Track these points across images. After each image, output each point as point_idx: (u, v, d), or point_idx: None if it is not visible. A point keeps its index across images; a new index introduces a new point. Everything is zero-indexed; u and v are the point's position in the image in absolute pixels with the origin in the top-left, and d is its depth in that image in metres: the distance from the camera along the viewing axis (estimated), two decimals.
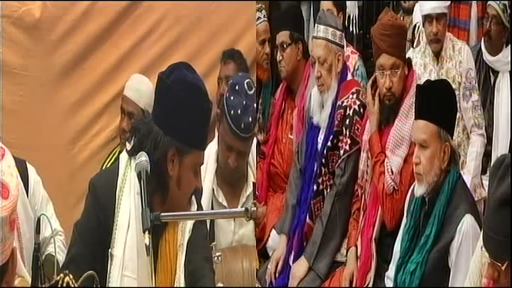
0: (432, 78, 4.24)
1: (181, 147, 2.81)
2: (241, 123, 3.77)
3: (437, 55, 4.34)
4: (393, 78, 3.71)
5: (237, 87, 3.82)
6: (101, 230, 2.85)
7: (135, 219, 2.84)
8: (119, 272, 2.81)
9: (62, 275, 2.49)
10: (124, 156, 2.92)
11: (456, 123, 4.20)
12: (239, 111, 3.77)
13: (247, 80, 3.87)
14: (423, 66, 4.38)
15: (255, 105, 3.90)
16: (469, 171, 4.16)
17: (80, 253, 2.86)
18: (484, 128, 4.31)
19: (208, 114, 2.90)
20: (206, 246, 3.07)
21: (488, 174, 4.37)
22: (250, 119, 3.81)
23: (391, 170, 3.65)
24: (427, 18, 4.32)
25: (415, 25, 5.02)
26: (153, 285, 2.83)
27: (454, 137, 4.15)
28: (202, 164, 2.93)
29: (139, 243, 2.82)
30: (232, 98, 3.80)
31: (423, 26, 4.41)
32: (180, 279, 2.89)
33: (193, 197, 2.93)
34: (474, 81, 4.29)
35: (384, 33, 3.73)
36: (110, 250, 2.82)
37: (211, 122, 3.00)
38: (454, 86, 4.19)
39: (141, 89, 4.39)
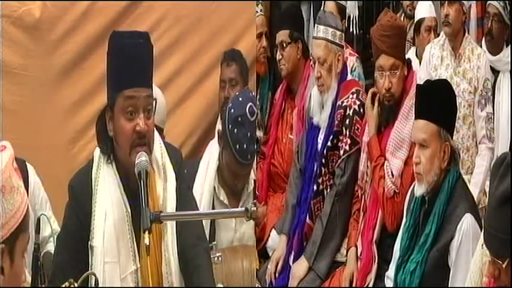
0: (448, 73, 4.29)
1: (110, 99, 2.82)
2: (248, 155, 3.80)
3: (454, 50, 4.36)
4: (392, 79, 3.71)
5: (240, 119, 3.80)
6: (82, 231, 2.85)
7: (112, 206, 2.85)
8: (100, 261, 2.80)
9: (67, 283, 2.50)
10: (97, 150, 2.95)
11: (468, 127, 4.24)
12: (245, 146, 3.78)
13: (249, 105, 3.86)
14: (440, 58, 4.41)
15: (256, 131, 3.91)
16: (477, 183, 4.17)
17: (63, 260, 2.86)
18: (493, 141, 4.31)
19: (138, 51, 2.81)
20: (194, 223, 3.02)
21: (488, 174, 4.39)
22: (254, 147, 3.84)
23: (392, 173, 3.65)
24: (441, 1, 4.37)
25: (418, 21, 5.06)
26: (137, 267, 2.82)
27: (464, 141, 4.19)
28: (142, 97, 2.80)
29: (118, 229, 2.83)
30: (235, 131, 3.79)
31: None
32: (170, 262, 2.87)
33: (140, 148, 2.79)
34: (490, 93, 4.30)
35: (383, 34, 3.73)
36: (89, 243, 2.82)
37: (151, 57, 2.89)
38: (470, 89, 4.26)
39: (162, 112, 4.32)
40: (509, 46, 4.51)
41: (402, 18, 5.47)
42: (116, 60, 2.81)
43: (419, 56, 4.95)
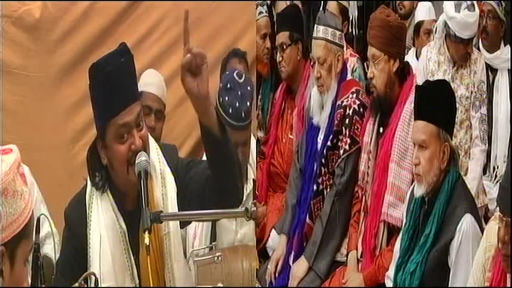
0: (446, 79, 4.26)
1: (100, 129, 2.77)
2: (241, 113, 3.74)
3: (453, 58, 4.34)
4: (374, 69, 3.70)
5: (228, 85, 3.78)
6: (78, 257, 2.85)
7: (106, 230, 2.84)
8: None
9: (76, 284, 2.50)
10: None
11: (465, 131, 4.24)
12: (237, 104, 3.73)
13: (235, 72, 3.86)
14: (437, 64, 4.38)
15: (249, 87, 3.85)
16: (472, 189, 4.15)
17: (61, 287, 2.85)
18: (486, 143, 4.30)
19: (122, 70, 2.75)
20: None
21: (487, 174, 4.40)
22: (248, 104, 3.77)
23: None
24: (464, 41, 4.23)
25: (418, 23, 5.04)
26: (135, 284, 2.81)
27: (462, 144, 4.18)
28: (132, 119, 2.74)
29: (114, 251, 2.81)
30: (226, 98, 3.76)
31: (449, 40, 4.30)
32: (173, 271, 2.85)
33: (137, 165, 2.71)
34: (485, 95, 4.30)
35: (369, 25, 3.78)
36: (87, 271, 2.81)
37: (134, 68, 2.83)
38: (467, 94, 4.24)
39: (163, 85, 4.39)
40: (508, 45, 4.51)
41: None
42: (103, 89, 2.74)
43: (419, 57, 4.94)
